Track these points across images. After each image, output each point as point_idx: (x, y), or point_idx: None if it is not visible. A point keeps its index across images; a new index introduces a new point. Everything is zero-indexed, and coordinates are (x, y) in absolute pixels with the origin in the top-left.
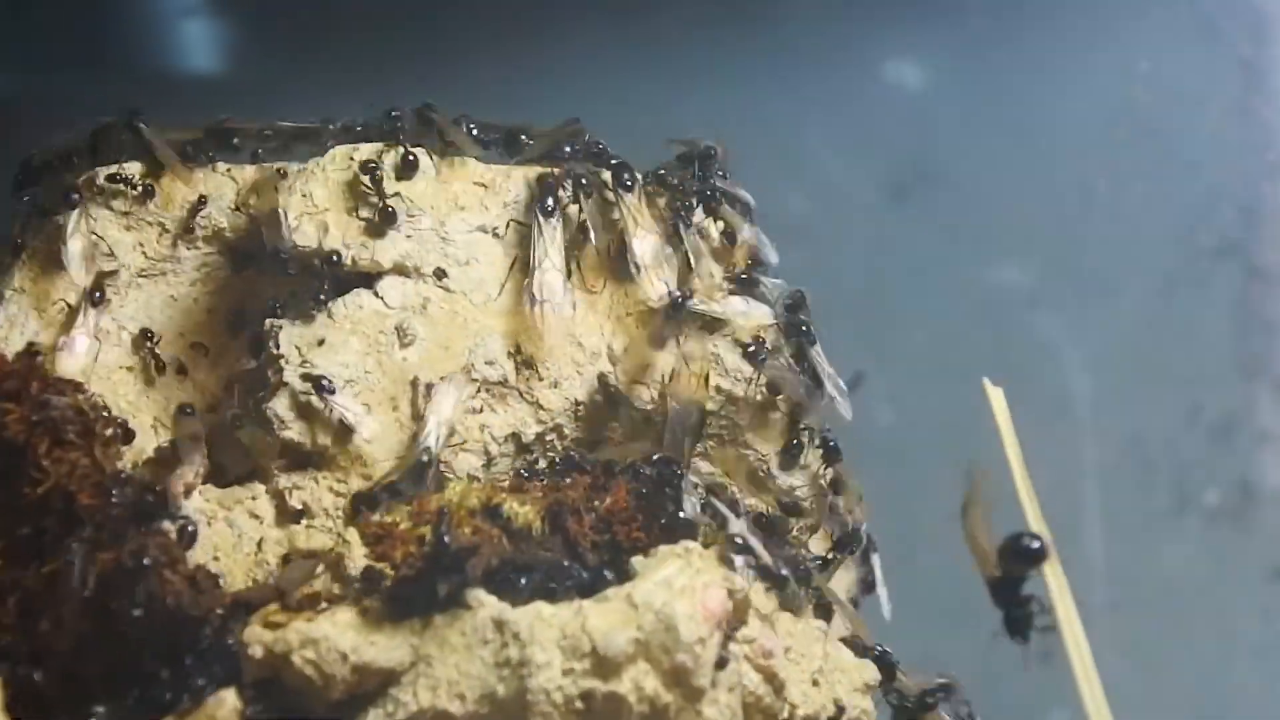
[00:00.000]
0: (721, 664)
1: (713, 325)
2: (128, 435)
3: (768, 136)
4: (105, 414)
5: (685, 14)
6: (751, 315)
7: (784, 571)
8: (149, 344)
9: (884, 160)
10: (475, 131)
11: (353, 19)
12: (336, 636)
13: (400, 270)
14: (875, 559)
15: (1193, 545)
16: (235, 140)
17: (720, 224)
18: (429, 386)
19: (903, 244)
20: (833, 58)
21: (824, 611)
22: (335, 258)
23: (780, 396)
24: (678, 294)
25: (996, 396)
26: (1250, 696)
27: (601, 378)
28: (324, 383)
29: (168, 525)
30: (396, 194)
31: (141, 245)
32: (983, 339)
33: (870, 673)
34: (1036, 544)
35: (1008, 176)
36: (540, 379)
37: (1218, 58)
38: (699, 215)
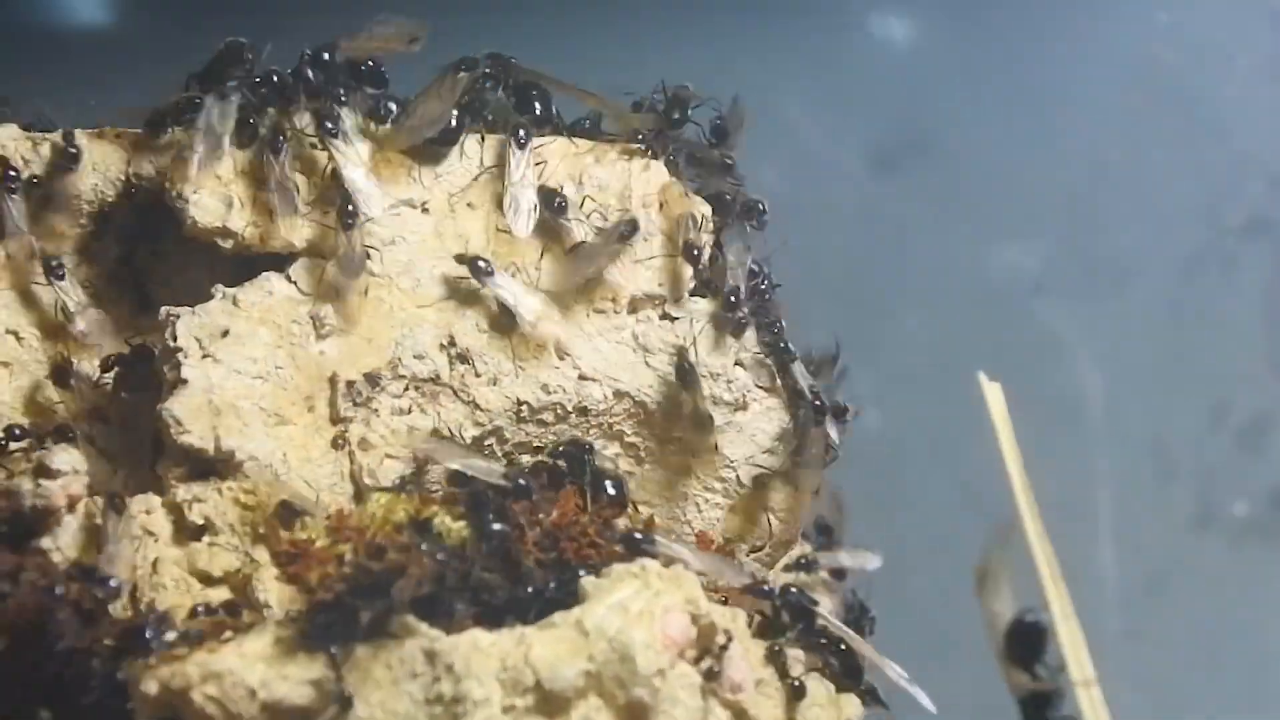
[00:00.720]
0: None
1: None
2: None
3: (743, 99)
4: None
5: None
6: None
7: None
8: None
9: (869, 126)
10: None
11: None
12: (243, 670)
13: (315, 251)
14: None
15: (1219, 562)
16: None
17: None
18: (349, 384)
19: (890, 222)
20: (810, 9)
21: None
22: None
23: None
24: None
25: (993, 393)
26: None
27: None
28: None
29: (47, 544)
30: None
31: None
32: (981, 330)
33: (853, 708)
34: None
35: (1009, 145)
36: (477, 375)
37: (1246, 8)
38: None
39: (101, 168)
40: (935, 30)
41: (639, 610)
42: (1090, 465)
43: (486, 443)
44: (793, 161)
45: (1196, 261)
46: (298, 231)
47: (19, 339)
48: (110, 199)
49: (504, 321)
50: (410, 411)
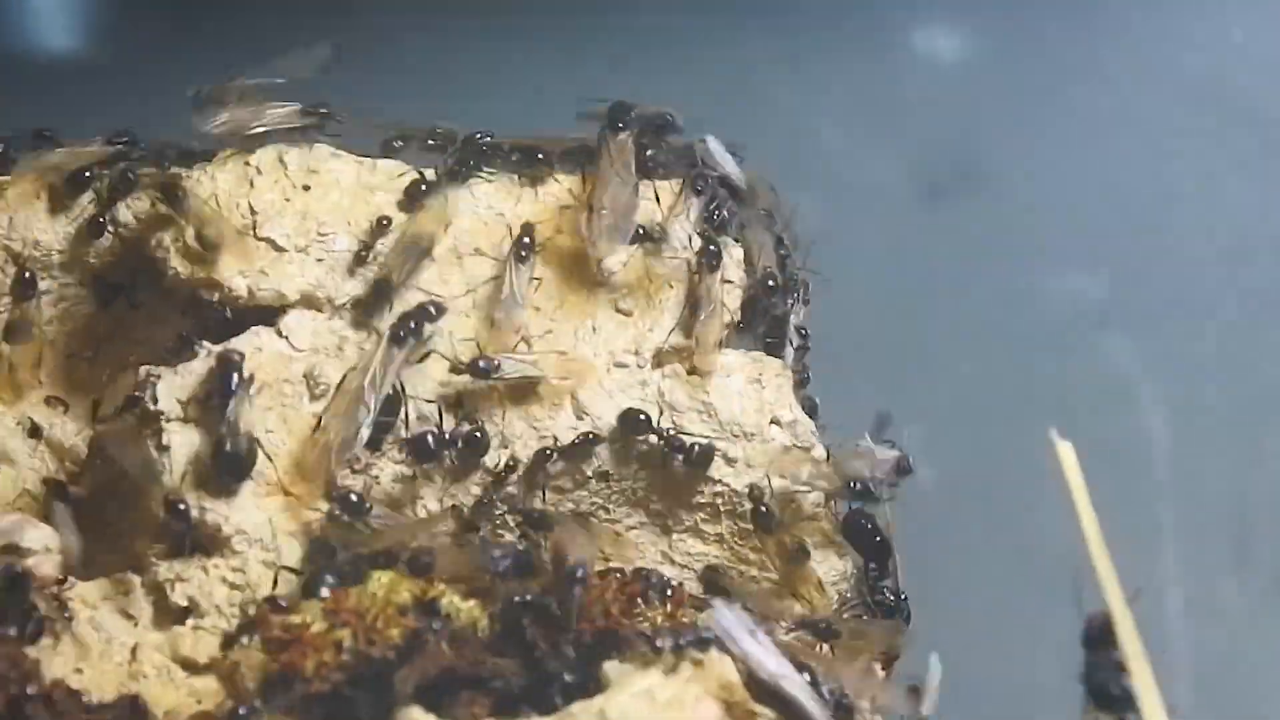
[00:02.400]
0: None
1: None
2: None
3: (773, 123)
4: None
5: None
6: None
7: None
8: None
9: (914, 151)
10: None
11: None
12: None
13: (310, 302)
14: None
15: None
16: None
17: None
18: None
19: (939, 254)
20: (850, 25)
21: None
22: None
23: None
24: None
25: (1067, 454)
26: None
27: None
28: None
29: (14, 630)
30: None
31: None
32: (1040, 372)
33: None
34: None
35: (1068, 170)
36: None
37: None
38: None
39: (76, 214)
40: (986, 46)
41: (668, 698)
42: (1158, 519)
43: (496, 511)
44: (832, 190)
45: (1275, 295)
46: (291, 281)
47: None
48: (83, 249)
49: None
50: (414, 479)
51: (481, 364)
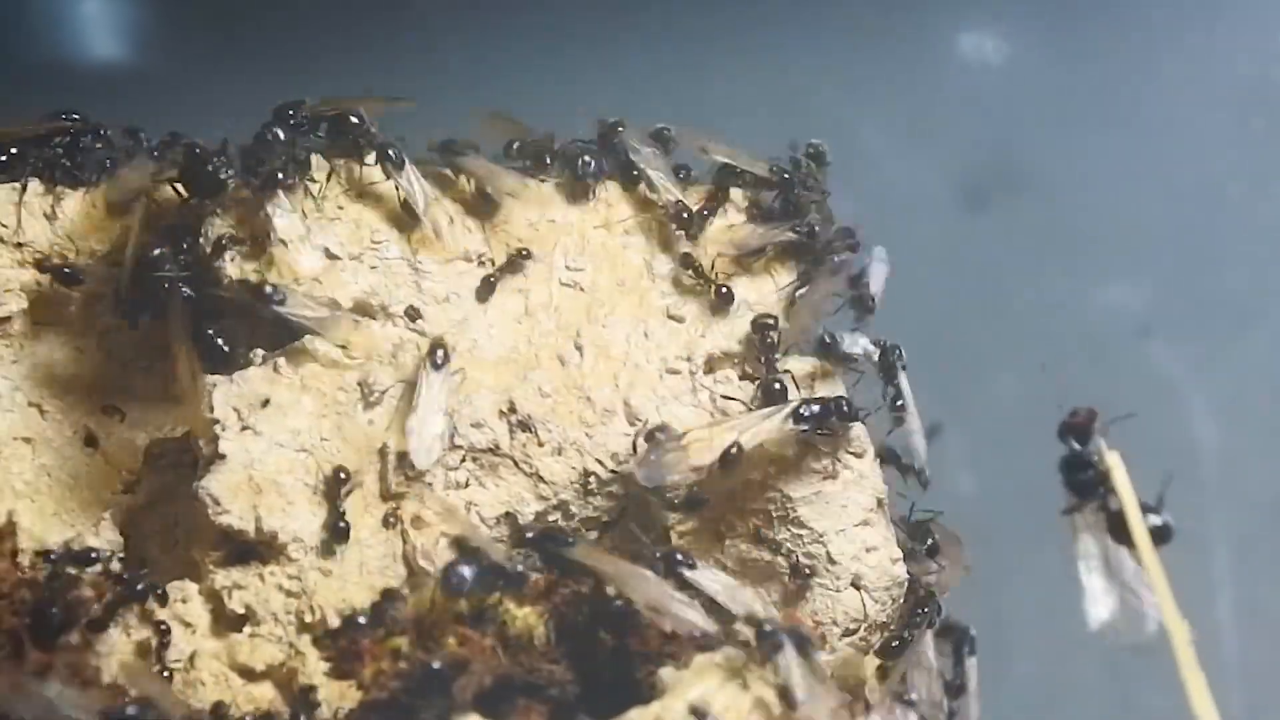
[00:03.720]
0: None
1: None
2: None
3: (813, 126)
4: None
5: None
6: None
7: None
8: None
9: (957, 157)
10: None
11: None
12: None
13: (363, 310)
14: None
15: None
16: None
17: None
18: (400, 455)
19: (982, 261)
20: (893, 30)
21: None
22: (280, 295)
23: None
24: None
25: (1117, 466)
26: None
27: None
28: None
29: (76, 638)
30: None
31: (39, 285)
32: (1084, 379)
33: None
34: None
35: (1113, 176)
36: (540, 444)
37: None
38: None
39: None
40: (1030, 51)
41: (724, 705)
42: (1206, 527)
43: (551, 518)
44: (875, 195)
45: None
46: (345, 289)
47: (42, 412)
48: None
49: None
50: (468, 485)
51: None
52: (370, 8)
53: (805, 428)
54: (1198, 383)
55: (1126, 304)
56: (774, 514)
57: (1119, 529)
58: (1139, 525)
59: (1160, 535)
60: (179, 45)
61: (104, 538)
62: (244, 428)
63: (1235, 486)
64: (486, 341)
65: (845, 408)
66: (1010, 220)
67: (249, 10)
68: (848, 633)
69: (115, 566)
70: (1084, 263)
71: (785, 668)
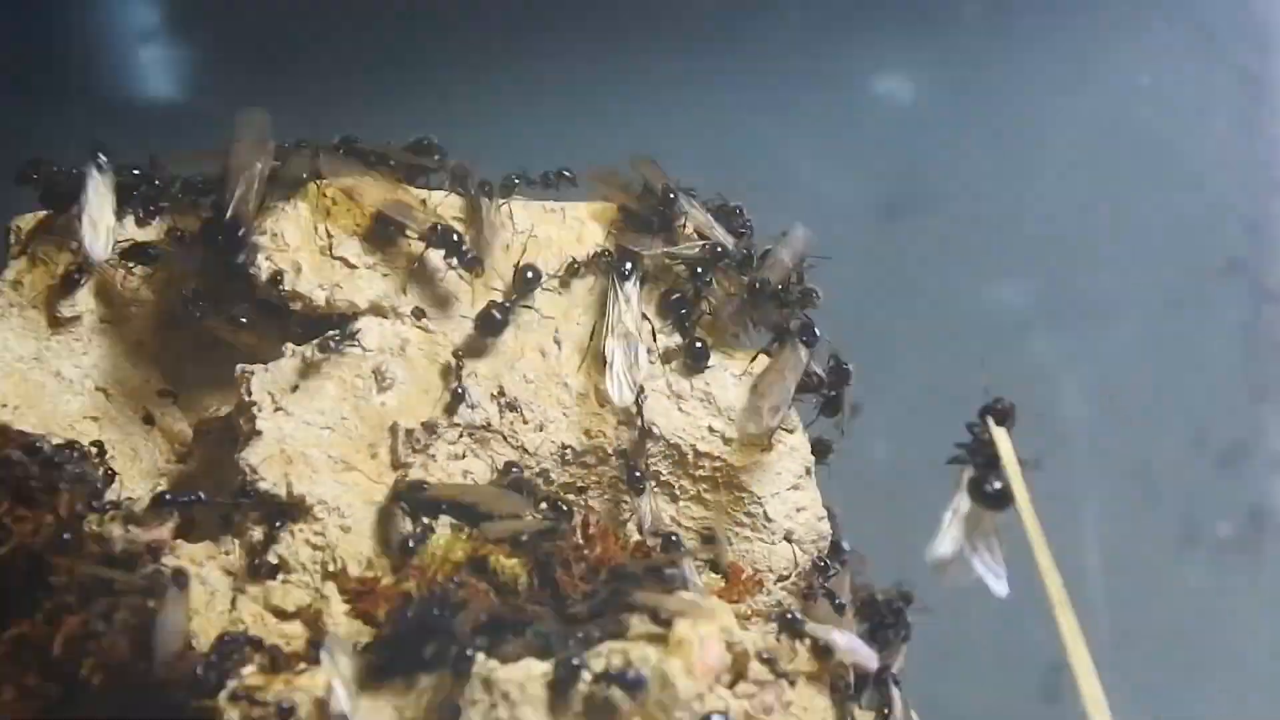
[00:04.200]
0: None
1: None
2: (96, 491)
3: (754, 154)
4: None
5: (668, 32)
6: None
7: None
8: None
9: (875, 178)
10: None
11: (317, 42)
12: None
13: (377, 310)
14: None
15: (1202, 577)
16: None
17: None
18: (409, 432)
19: (895, 265)
20: (821, 71)
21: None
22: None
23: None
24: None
25: (1001, 438)
26: None
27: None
28: None
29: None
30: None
31: (104, 288)
32: (978, 363)
33: None
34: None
35: (1004, 194)
36: (525, 422)
37: (1220, 70)
38: None
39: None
40: (934, 89)
41: (678, 639)
42: (1080, 488)
43: (534, 484)
44: (804, 212)
45: (1176, 300)
46: (361, 293)
47: (107, 395)
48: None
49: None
50: (465, 456)
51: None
52: (401, 51)
53: None
54: (1070, 368)
55: (1012, 300)
56: (719, 480)
57: (975, 489)
58: (1022, 491)
59: (999, 500)
60: (226, 85)
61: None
62: (277, 409)
63: (1101, 457)
64: (479, 336)
65: None
66: (918, 230)
67: (293, 54)
68: (781, 579)
69: (170, 527)
70: (977, 265)
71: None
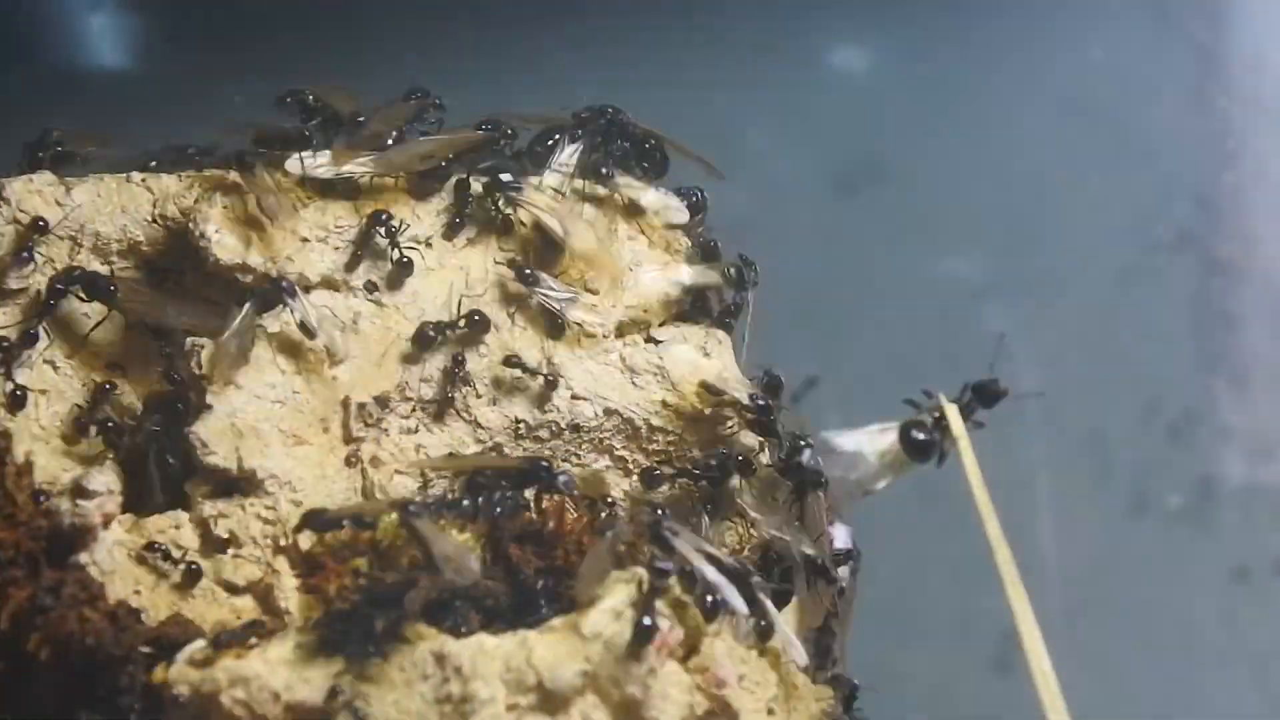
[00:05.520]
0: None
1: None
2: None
3: (708, 130)
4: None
5: (621, 5)
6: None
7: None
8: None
9: (829, 153)
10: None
11: (269, 11)
12: (268, 674)
13: (329, 284)
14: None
15: (1152, 546)
16: None
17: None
18: (360, 406)
19: (851, 240)
20: (775, 46)
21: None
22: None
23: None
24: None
25: (953, 413)
26: (1213, 703)
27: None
28: None
29: (84, 559)
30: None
31: (52, 261)
32: (932, 335)
33: (829, 698)
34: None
35: (958, 169)
36: (478, 396)
37: (1175, 44)
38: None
39: (130, 210)
40: (889, 64)
41: (630, 614)
42: (1032, 457)
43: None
44: (759, 186)
45: (1128, 273)
46: (313, 266)
47: (55, 368)
48: (138, 238)
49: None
50: (418, 431)
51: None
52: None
53: None
54: (1022, 339)
55: (965, 273)
56: (673, 454)
57: (905, 432)
58: (970, 460)
59: (919, 449)
60: (174, 54)
61: (107, 475)
62: (227, 383)
63: (1052, 424)
64: (433, 310)
65: None
66: (873, 204)
67: (247, 22)
68: (735, 551)
69: (117, 499)
70: (932, 238)
71: None
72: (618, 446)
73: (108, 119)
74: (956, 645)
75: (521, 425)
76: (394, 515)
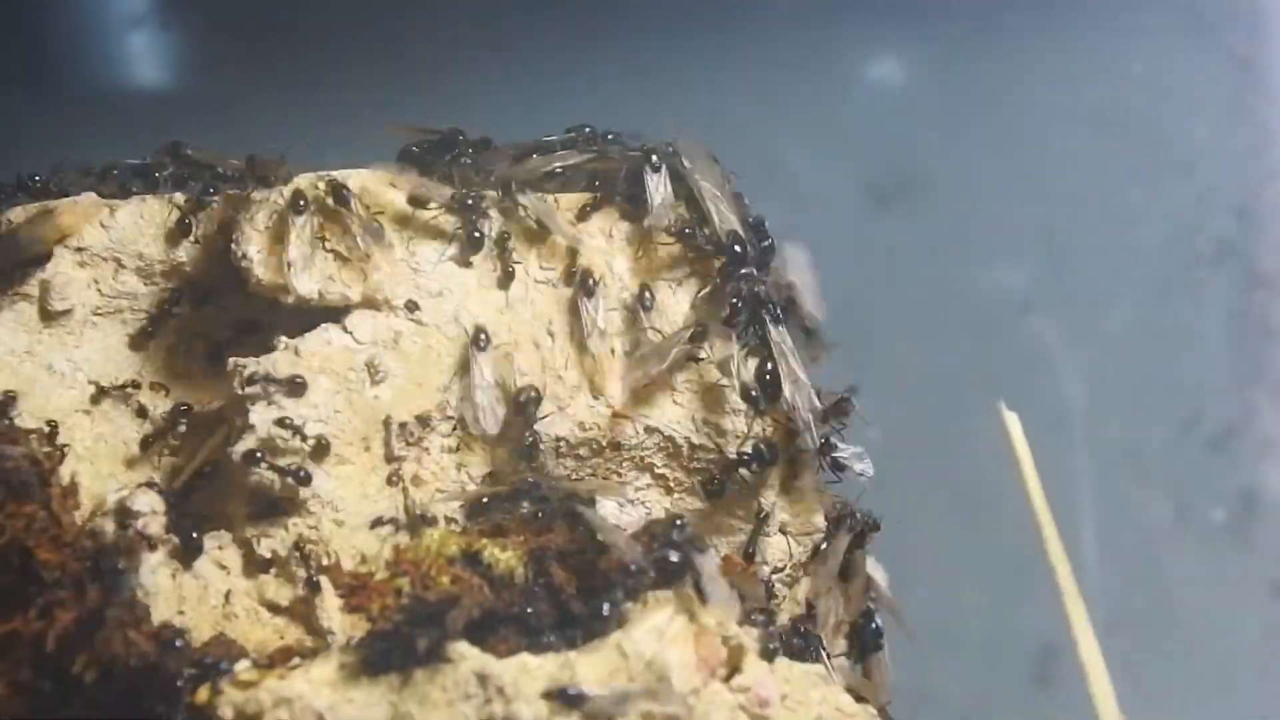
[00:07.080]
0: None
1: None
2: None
3: (745, 142)
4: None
5: (659, 20)
6: None
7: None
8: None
9: (864, 165)
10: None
11: (308, 30)
12: (311, 695)
13: (370, 303)
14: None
15: (1193, 560)
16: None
17: None
18: (402, 425)
19: (887, 251)
20: (812, 59)
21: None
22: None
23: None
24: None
25: (1013, 424)
26: (1253, 717)
27: None
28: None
29: (130, 580)
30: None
31: (96, 282)
32: (973, 349)
33: (872, 718)
34: None
35: (996, 180)
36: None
37: (1214, 57)
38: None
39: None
40: (926, 76)
41: (674, 633)
42: (1074, 470)
43: (530, 477)
44: (793, 199)
45: (1168, 285)
46: (354, 286)
47: (100, 389)
48: (180, 259)
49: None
50: (458, 449)
51: None
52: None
53: None
54: (1068, 350)
55: (1003, 286)
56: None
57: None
58: (1031, 472)
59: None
60: (218, 71)
61: (151, 496)
62: (269, 403)
63: (1097, 436)
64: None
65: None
66: (910, 216)
67: (283, 41)
68: (776, 570)
69: (161, 520)
70: (968, 251)
71: None
72: (658, 464)
73: (149, 137)
74: (993, 660)
75: (562, 443)
76: (436, 533)
